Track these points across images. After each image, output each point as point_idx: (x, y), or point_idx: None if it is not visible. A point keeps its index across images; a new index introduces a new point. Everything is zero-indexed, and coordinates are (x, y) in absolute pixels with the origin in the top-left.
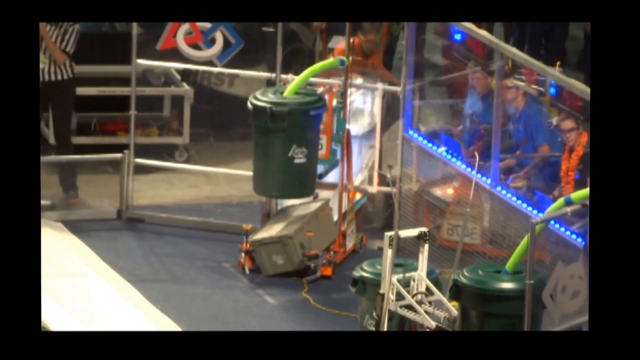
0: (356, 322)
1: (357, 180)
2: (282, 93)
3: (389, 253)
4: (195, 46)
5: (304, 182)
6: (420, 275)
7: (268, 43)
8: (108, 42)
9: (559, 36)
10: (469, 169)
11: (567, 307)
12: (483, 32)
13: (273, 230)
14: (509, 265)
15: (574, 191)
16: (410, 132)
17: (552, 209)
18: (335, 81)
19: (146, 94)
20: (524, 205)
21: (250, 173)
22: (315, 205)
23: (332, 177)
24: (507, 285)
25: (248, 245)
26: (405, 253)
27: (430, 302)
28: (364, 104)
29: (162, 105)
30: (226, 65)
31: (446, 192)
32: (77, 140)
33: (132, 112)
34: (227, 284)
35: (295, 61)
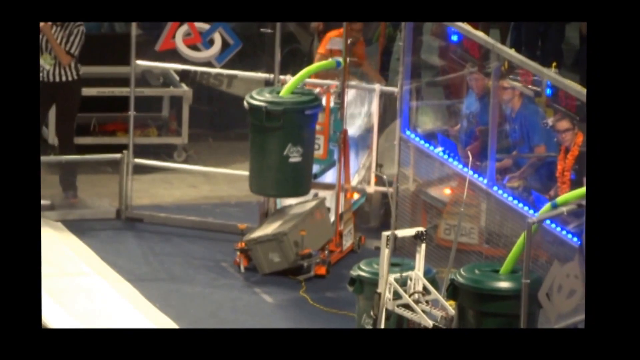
0: (353, 321)
1: (354, 180)
2: (278, 92)
3: (386, 252)
4: (194, 47)
5: (299, 181)
6: (417, 274)
7: (266, 44)
8: (107, 43)
9: (555, 38)
10: (465, 169)
11: (563, 306)
12: (479, 34)
13: (269, 228)
14: (504, 269)
15: (569, 191)
16: (408, 132)
17: (541, 212)
18: (333, 82)
19: (145, 95)
20: (520, 205)
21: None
22: (311, 204)
23: (330, 177)
24: (504, 284)
25: (243, 244)
26: (403, 253)
27: (427, 301)
28: (361, 104)
29: (161, 106)
30: (225, 66)
31: (443, 192)
32: (77, 140)
33: (131, 113)
34: (226, 283)
35: (293, 62)
